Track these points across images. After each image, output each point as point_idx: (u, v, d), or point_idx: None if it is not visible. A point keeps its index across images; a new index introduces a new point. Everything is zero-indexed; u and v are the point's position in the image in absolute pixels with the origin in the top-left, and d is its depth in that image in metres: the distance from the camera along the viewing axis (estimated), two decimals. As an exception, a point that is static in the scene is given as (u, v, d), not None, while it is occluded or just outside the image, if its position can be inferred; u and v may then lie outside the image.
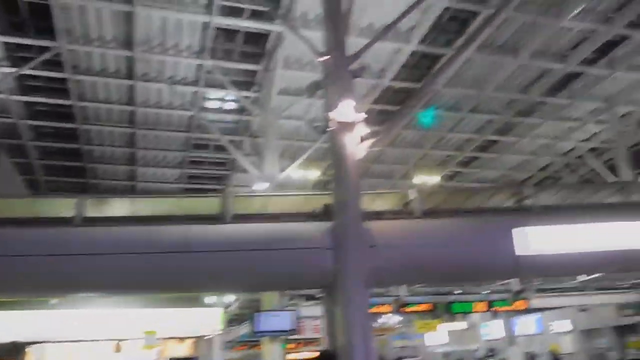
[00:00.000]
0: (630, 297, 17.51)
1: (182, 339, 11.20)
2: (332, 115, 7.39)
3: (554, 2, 11.70)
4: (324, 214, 7.62)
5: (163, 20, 11.11)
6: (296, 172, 16.48)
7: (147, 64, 12.18)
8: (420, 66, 13.61)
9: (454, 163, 19.28)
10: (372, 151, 17.49)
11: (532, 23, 12.27)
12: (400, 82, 13.83)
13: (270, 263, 7.47)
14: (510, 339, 25.71)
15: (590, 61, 14.21)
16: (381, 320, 24.33)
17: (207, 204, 8.36)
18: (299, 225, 7.63)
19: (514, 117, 16.11)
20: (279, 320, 11.47)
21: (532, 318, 24.87)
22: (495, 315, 24.75)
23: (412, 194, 8.07)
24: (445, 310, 14.97)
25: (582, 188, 9.93)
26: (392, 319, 24.25)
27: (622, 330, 20.36)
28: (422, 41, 12.40)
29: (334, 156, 7.47)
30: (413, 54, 12.90)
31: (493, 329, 27.02)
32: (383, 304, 14.20)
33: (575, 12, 11.80)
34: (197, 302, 10.86)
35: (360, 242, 7.19)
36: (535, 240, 8.09)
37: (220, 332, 10.96)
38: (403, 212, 8.06)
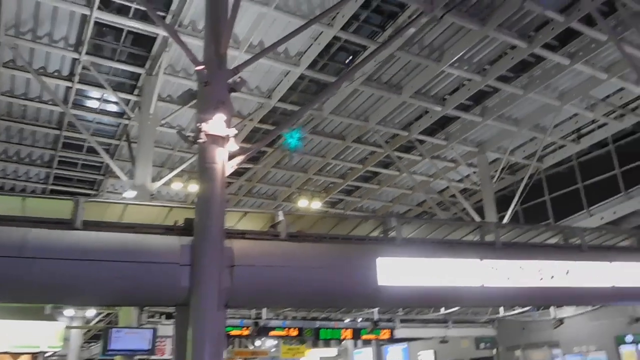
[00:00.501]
0: (486, 331, 18.73)
1: (15, 354, 10.05)
2: (203, 127, 7.12)
3: (435, 47, 12.44)
4: (185, 228, 7.26)
5: (37, 6, 10.25)
6: (177, 184, 15.95)
7: (14, 51, 11.11)
8: (310, 91, 13.79)
9: (337, 190, 19.65)
10: (258, 170, 17.48)
11: (415, 64, 12.95)
12: (290, 105, 13.89)
13: (120, 276, 6.94)
14: (380, 366, 26.42)
15: (466, 107, 15.27)
16: (257, 343, 23.92)
17: (57, 207, 7.64)
18: (156, 238, 7.18)
19: (395, 152, 16.80)
20: (134, 339, 10.72)
21: (400, 347, 25.74)
22: (367, 343, 25.32)
23: (279, 216, 7.95)
24: (313, 336, 14.96)
25: (444, 224, 10.45)
26: (266, 343, 23.95)
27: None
28: (312, 67, 12.58)
29: (200, 170, 7.19)
30: (303, 77, 13.05)
31: (365, 356, 27.59)
32: (247, 327, 13.89)
33: (454, 59, 12.63)
34: (37, 315, 9.83)
35: (219, 261, 6.91)
36: (396, 270, 8.30)
37: (59, 348, 9.98)
38: (268, 234, 7.91)
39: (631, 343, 14.01)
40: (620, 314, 14.26)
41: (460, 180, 19.51)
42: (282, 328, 14.24)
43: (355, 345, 25.31)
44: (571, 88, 14.89)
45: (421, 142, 16.64)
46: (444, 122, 16.07)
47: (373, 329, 14.46)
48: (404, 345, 25.23)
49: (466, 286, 8.97)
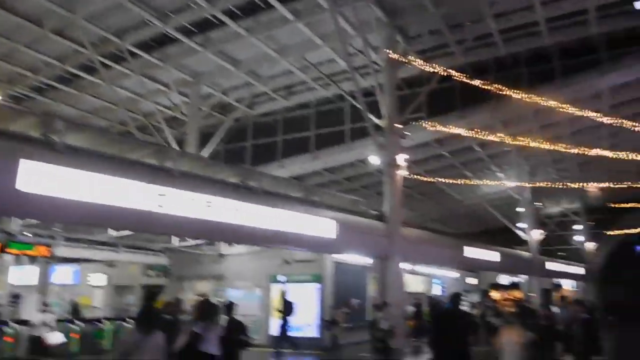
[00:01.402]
0: (158, 259, 18.62)
1: None
2: None
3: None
4: None
5: None
6: None
7: None
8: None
9: (25, 85, 16.76)
10: None
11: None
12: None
13: None
14: (43, 286, 24.20)
15: (189, 32, 14.50)
16: None
17: None
18: None
19: (102, 58, 14.99)
20: None
21: (71, 268, 24.05)
22: (33, 260, 22.79)
23: None
24: None
25: (123, 141, 9.65)
26: None
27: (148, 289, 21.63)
28: None
29: None
30: None
31: (26, 275, 24.93)
32: None
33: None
34: None
35: None
36: (46, 178, 7.18)
37: None
38: None
39: (281, 282, 15.72)
40: (275, 256, 15.83)
41: (169, 108, 18.74)
42: None
43: (18, 260, 22.56)
44: (290, 45, 15.52)
45: (134, 55, 15.15)
46: (162, 41, 14.98)
47: (7, 242, 12.62)
48: (77, 266, 23.63)
49: (132, 209, 8.37)
